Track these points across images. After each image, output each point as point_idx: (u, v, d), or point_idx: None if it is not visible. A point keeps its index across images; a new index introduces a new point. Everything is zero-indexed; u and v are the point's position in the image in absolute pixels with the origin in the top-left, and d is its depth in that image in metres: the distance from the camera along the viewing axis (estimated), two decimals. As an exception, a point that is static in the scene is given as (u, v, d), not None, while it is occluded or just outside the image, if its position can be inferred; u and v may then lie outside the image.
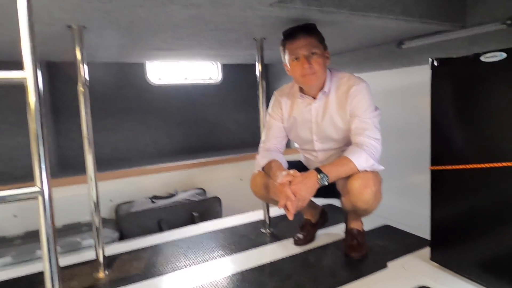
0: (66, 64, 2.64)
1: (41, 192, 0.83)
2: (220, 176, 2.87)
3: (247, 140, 3.56)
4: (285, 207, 1.32)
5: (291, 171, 1.36)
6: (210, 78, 3.42)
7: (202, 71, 3.41)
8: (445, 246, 1.44)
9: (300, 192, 1.31)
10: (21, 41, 0.86)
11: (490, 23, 1.65)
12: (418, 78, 2.07)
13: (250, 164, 2.93)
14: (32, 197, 0.83)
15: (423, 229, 1.80)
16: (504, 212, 1.22)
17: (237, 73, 3.47)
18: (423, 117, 2.04)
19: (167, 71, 3.23)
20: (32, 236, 2.07)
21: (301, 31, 1.44)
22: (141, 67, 3.05)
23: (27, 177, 2.58)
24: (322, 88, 1.51)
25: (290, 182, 1.33)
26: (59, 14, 1.26)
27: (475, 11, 1.75)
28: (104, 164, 2.76)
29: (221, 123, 3.44)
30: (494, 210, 1.25)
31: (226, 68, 3.42)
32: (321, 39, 1.48)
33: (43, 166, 0.84)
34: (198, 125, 3.32)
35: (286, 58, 1.50)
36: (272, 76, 3.48)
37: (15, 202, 2.10)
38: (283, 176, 1.36)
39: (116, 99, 2.96)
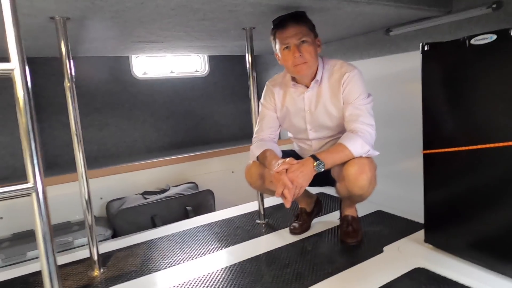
0: (48, 59, 2.55)
1: (35, 189, 0.80)
2: (211, 169, 2.85)
3: (235, 133, 3.54)
4: (282, 195, 1.32)
5: (287, 159, 1.36)
6: (196, 70, 3.38)
7: (188, 64, 3.35)
8: (439, 228, 1.47)
9: (297, 179, 1.31)
10: (6, 32, 0.81)
11: (476, 7, 1.68)
12: (406, 64, 2.10)
13: (241, 156, 2.94)
14: (25, 193, 0.79)
15: (415, 213, 1.84)
16: (494, 192, 1.25)
17: (224, 65, 3.43)
18: (412, 103, 2.07)
19: (152, 65, 3.16)
20: (20, 238, 2.01)
21: (291, 20, 1.42)
22: (126, 62, 2.97)
23: (10, 178, 2.51)
24: (314, 76, 1.51)
25: (286, 170, 1.33)
26: (41, 4, 1.20)
27: (461, -4, 1.77)
28: (92, 161, 2.70)
29: (209, 116, 3.41)
30: (485, 191, 1.28)
31: (212, 60, 3.38)
32: (311, 27, 1.46)
33: (35, 162, 0.80)
34: (186, 118, 3.28)
35: (277, 47, 1.48)
36: (260, 67, 3.46)
37: (2, 203, 2.06)
38: (279, 164, 1.35)
39: (101, 95, 2.89)
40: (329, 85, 1.50)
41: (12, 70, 0.81)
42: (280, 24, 1.43)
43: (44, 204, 0.81)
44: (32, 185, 0.80)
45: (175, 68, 3.24)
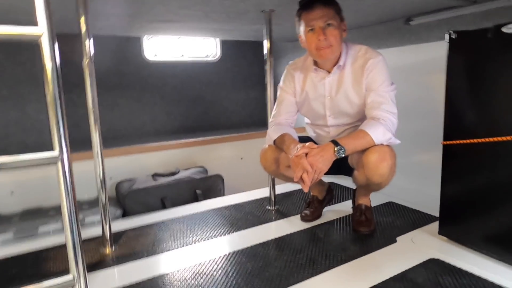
0: (60, 36, 2.53)
1: (61, 158, 0.78)
2: (220, 155, 2.84)
3: (245, 120, 3.52)
4: (301, 179, 1.30)
5: (307, 144, 1.34)
6: (207, 55, 3.34)
7: (200, 48, 3.32)
8: (454, 220, 1.45)
9: (317, 164, 1.29)
10: (34, -5, 0.79)
11: (505, -3, 1.63)
12: (427, 55, 2.06)
13: (251, 143, 2.93)
14: (51, 162, 0.78)
15: (427, 206, 1.83)
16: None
17: (235, 51, 3.40)
18: (431, 95, 2.04)
19: (163, 48, 3.13)
20: (31, 214, 2.02)
21: (318, 1, 1.39)
22: (137, 43, 2.94)
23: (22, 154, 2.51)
24: (337, 61, 1.48)
25: (306, 154, 1.31)
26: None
27: (489, -15, 1.72)
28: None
29: (219, 102, 3.39)
30: (504, 185, 1.26)
31: (224, 45, 3.34)
32: (338, 10, 1.43)
33: (61, 131, 0.79)
34: (196, 103, 3.26)
35: (301, 29, 1.45)
36: (273, 54, 3.41)
37: (13, 178, 2.06)
38: (298, 148, 1.34)
39: (112, 75, 2.86)
40: (352, 71, 1.47)
41: (40, 34, 0.78)
42: (306, 4, 1.40)
43: (69, 174, 0.79)
44: (57, 154, 0.78)
45: (186, 52, 3.21)
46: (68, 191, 0.79)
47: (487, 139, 1.28)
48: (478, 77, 1.31)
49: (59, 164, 0.79)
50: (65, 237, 0.79)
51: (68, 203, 0.78)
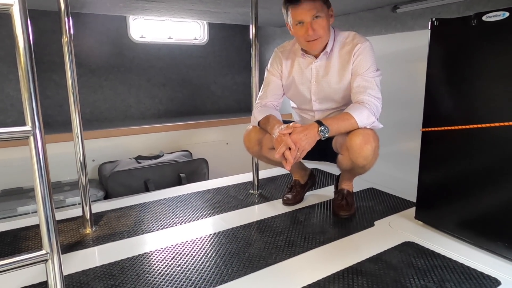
0: (41, 14, 2.45)
1: (33, 132, 0.77)
2: (205, 139, 2.83)
3: (231, 105, 3.51)
4: (283, 157, 1.31)
5: (291, 124, 1.35)
6: (195, 38, 3.29)
7: (187, 31, 3.26)
8: (430, 205, 1.49)
9: (301, 142, 1.29)
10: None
11: (489, -13, 1.64)
12: (412, 43, 2.07)
13: (236, 128, 2.93)
14: (23, 136, 0.76)
15: (406, 192, 1.87)
16: (487, 173, 1.27)
17: (223, 35, 3.35)
18: (414, 84, 2.07)
19: (150, 28, 3.06)
20: (11, 194, 1.99)
21: None
22: (123, 23, 2.87)
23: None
24: (324, 47, 1.48)
25: (290, 133, 1.32)
26: None
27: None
28: (84, 123, 2.64)
29: (205, 86, 3.35)
30: (478, 172, 1.30)
31: (212, 29, 3.29)
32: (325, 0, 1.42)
33: (34, 105, 0.77)
34: (182, 87, 3.22)
35: (289, 20, 1.44)
36: (261, 39, 3.38)
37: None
38: (282, 128, 1.34)
39: (96, 56, 2.80)
40: (339, 56, 1.48)
41: (11, 5, 0.76)
42: None
43: (42, 149, 0.78)
44: (30, 128, 0.76)
45: (173, 34, 3.15)
46: (41, 166, 0.78)
47: (463, 126, 1.31)
48: (457, 64, 1.33)
49: (31, 138, 0.77)
50: (38, 212, 0.78)
51: (41, 178, 0.77)
